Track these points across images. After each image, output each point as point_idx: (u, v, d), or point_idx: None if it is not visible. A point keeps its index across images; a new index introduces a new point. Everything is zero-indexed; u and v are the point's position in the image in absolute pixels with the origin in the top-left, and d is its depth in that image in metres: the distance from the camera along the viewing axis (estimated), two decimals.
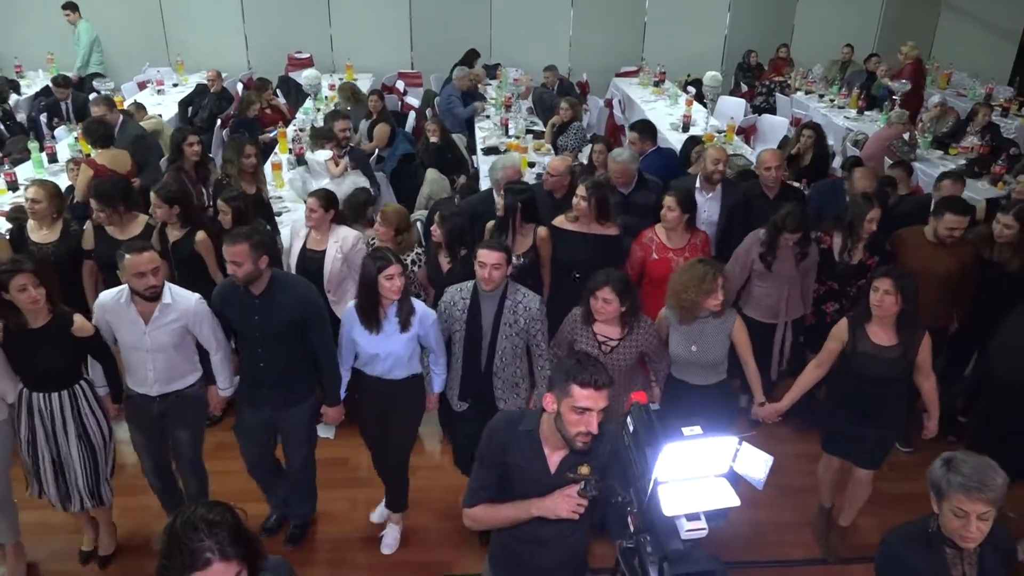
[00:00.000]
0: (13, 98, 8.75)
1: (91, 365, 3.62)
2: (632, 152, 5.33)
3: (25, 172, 6.44)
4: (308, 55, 11.03)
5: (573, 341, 3.68)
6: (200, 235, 4.51)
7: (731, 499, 1.92)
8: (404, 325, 3.52)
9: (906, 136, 7.10)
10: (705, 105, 9.18)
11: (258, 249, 3.36)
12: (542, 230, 4.52)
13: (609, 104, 9.87)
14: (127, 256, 3.29)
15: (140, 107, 7.66)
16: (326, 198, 4.47)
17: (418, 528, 4.17)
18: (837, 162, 7.49)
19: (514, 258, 4.06)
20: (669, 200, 4.40)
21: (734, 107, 9.45)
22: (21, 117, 8.52)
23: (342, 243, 4.47)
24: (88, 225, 4.62)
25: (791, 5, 11.88)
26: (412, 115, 9.10)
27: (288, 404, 3.69)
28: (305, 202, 4.61)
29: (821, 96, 9.90)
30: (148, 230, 4.52)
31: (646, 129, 6.04)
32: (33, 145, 6.72)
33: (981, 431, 3.97)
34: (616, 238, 4.57)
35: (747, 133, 8.77)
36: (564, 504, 2.36)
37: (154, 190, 4.51)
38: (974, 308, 4.57)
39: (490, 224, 4.64)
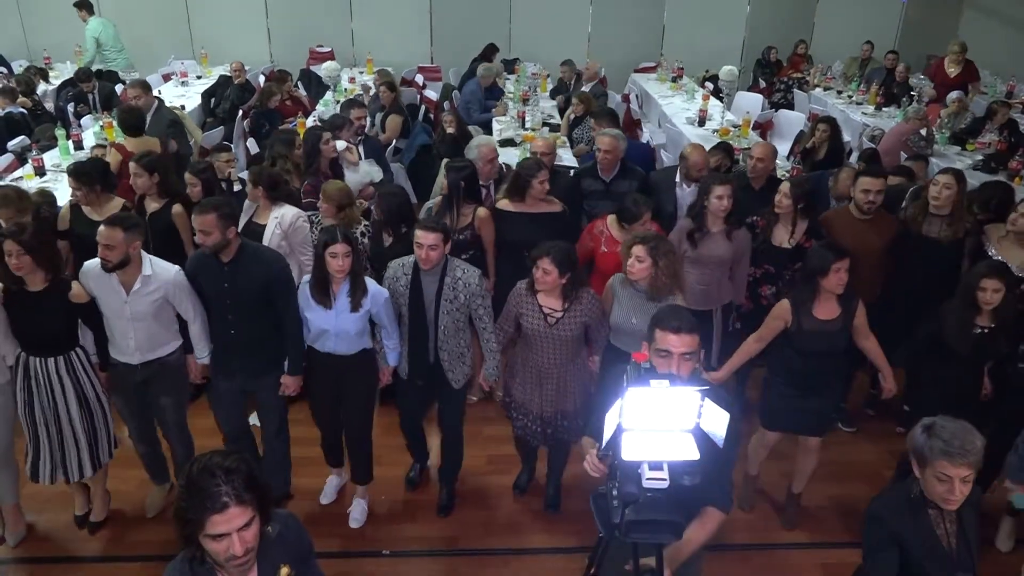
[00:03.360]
0: (42, 87, 8.94)
1: (83, 334, 3.76)
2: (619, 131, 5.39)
3: (52, 158, 6.60)
4: (329, 49, 11.16)
5: (519, 314, 3.77)
6: (176, 207, 4.67)
7: (692, 452, 2.01)
8: (355, 305, 3.62)
9: (923, 132, 7.09)
10: (722, 100, 9.19)
11: (226, 219, 3.53)
12: (481, 211, 4.62)
13: (626, 99, 9.91)
14: (103, 228, 3.47)
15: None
16: (266, 176, 4.58)
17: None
18: (853, 157, 7.49)
19: (455, 234, 4.20)
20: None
21: (751, 102, 9.46)
22: (49, 106, 8.72)
23: (281, 219, 4.54)
24: (65, 205, 4.74)
25: (811, 2, 11.85)
26: (423, 108, 9.17)
27: (259, 372, 3.83)
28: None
29: (839, 92, 9.88)
30: (124, 210, 4.62)
31: (608, 115, 6.17)
32: (60, 132, 6.89)
33: (926, 400, 3.88)
34: (560, 214, 4.68)
35: (763, 128, 8.78)
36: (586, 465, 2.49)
37: (134, 158, 4.67)
38: (904, 283, 4.59)
39: (438, 200, 4.74)
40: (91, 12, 10.13)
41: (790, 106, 9.87)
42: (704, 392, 2.06)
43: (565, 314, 3.68)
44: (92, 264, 3.65)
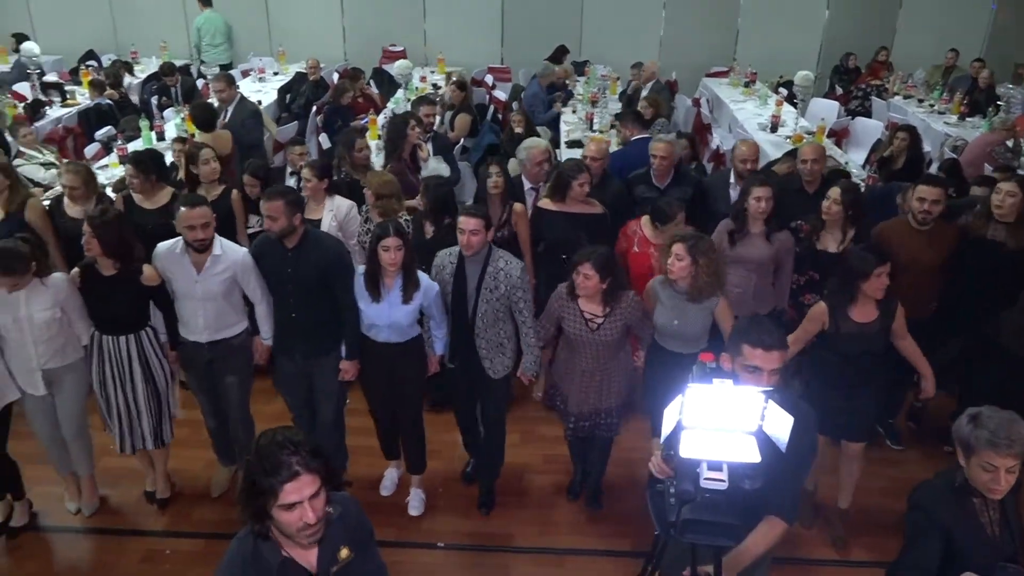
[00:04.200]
0: (128, 80, 9.32)
1: (154, 314, 3.91)
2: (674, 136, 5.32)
3: (136, 147, 6.86)
4: (402, 48, 11.32)
5: (560, 317, 3.76)
6: (235, 193, 4.88)
7: (753, 455, 1.97)
8: (407, 298, 3.67)
9: (1010, 143, 6.80)
10: (795, 106, 9.00)
11: (292, 206, 3.65)
12: (518, 206, 4.66)
13: (697, 103, 9.78)
14: (182, 209, 3.61)
15: None
16: (320, 168, 4.71)
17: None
18: (933, 167, 7.23)
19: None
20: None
21: (826, 109, 9.23)
22: (134, 98, 9.09)
23: (336, 211, 4.69)
24: (117, 196, 4.91)
25: (893, 8, 11.50)
26: (492, 108, 9.23)
27: (318, 353, 3.92)
28: None
29: (920, 101, 9.56)
30: (174, 199, 4.76)
31: (633, 116, 6.13)
32: (144, 124, 7.16)
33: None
34: (601, 216, 4.64)
35: (839, 136, 8.55)
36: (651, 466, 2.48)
37: (130, 157, 4.89)
38: (963, 293, 4.40)
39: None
40: (207, 4, 10.61)
41: (867, 114, 9.59)
42: (768, 394, 2.02)
43: (606, 319, 3.66)
44: (164, 245, 3.81)
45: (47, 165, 6.15)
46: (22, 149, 6.20)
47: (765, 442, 2.06)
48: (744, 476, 2.09)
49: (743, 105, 9.31)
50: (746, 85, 10.06)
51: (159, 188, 4.79)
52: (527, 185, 5.11)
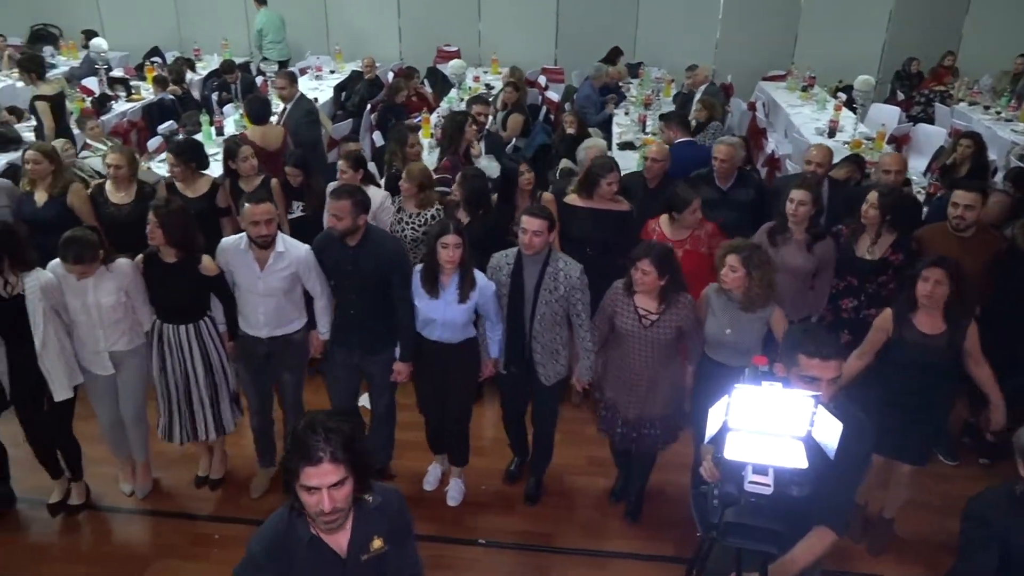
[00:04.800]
0: (190, 77, 9.56)
1: (213, 303, 3.99)
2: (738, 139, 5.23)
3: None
4: (456, 48, 11.39)
5: (614, 313, 3.73)
6: (274, 182, 4.95)
7: (800, 460, 1.93)
8: (463, 296, 3.68)
9: None
10: (855, 111, 8.80)
11: (359, 207, 3.69)
12: (546, 195, 4.71)
13: (752, 107, 9.65)
14: (246, 205, 3.66)
15: None
16: (355, 159, 4.78)
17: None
18: (999, 176, 7.00)
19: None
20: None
21: (887, 115, 9.00)
22: (196, 94, 9.32)
23: (371, 200, 4.69)
24: (160, 182, 5.03)
25: (959, 12, 11.17)
26: (544, 108, 9.22)
27: (374, 349, 3.96)
28: None
29: (987, 108, 9.26)
30: (213, 189, 4.91)
31: (678, 119, 6.05)
32: (204, 119, 7.35)
33: None
34: (626, 214, 4.61)
35: (900, 142, 8.33)
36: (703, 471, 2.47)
37: (170, 147, 5.00)
38: (1007, 305, 4.24)
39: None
40: (262, 3, 10.90)
41: (930, 120, 9.34)
42: (817, 398, 1.98)
43: (661, 317, 3.63)
44: (229, 240, 3.88)
45: None
46: (89, 141, 6.41)
47: (814, 449, 2.02)
48: (791, 482, 2.05)
49: (800, 110, 9.14)
50: (804, 89, 9.87)
51: (198, 176, 4.91)
52: None
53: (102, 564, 3.87)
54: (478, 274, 3.75)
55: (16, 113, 7.58)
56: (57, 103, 6.79)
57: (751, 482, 1.99)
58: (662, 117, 6.33)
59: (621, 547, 4.00)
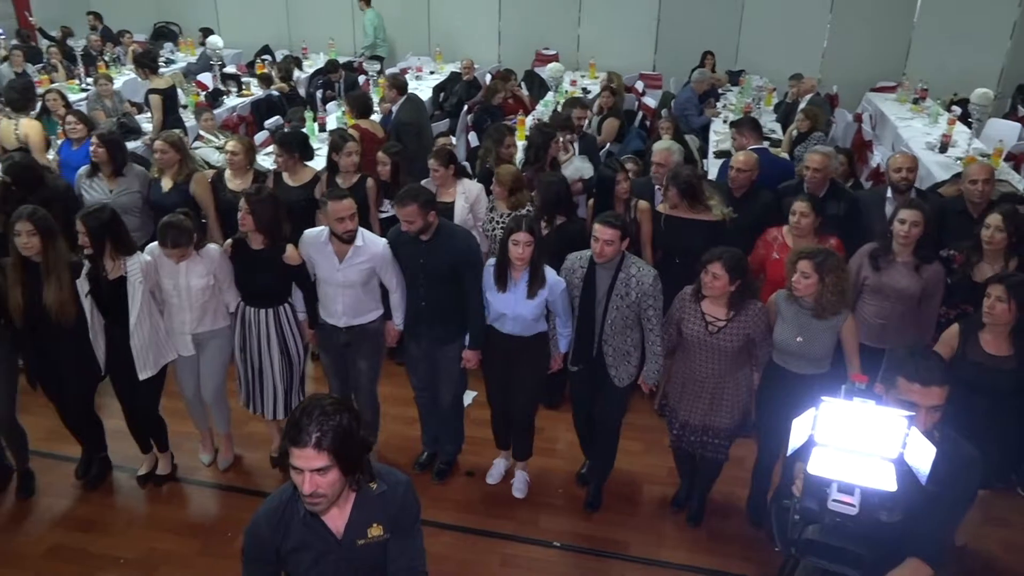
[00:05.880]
0: (296, 74, 9.93)
1: (294, 292, 4.14)
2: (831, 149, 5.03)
3: None
4: (555, 52, 11.44)
5: (681, 319, 3.67)
6: (369, 181, 5.09)
7: (889, 483, 1.85)
8: (531, 294, 3.71)
9: None
10: (970, 126, 8.37)
11: (425, 207, 3.77)
12: (642, 203, 4.66)
13: (859, 119, 9.29)
14: (329, 203, 3.80)
15: None
16: (445, 156, 4.87)
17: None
18: None
19: None
20: (801, 207, 4.18)
21: (1006, 130, 8.50)
22: (302, 91, 9.67)
23: (467, 194, 4.86)
24: (270, 173, 5.23)
25: None
26: (640, 114, 9.14)
27: (444, 340, 4.04)
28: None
29: None
30: (314, 180, 5.07)
31: (749, 124, 5.88)
32: (309, 115, 7.62)
33: None
34: (717, 224, 4.49)
35: (1018, 160, 7.86)
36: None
37: (276, 138, 5.19)
38: None
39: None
40: (368, 4, 11.30)
41: None
42: (911, 419, 1.89)
43: (728, 324, 3.56)
44: (311, 232, 4.04)
45: (222, 149, 6.65)
46: (202, 133, 6.74)
47: (905, 473, 1.94)
48: (880, 506, 1.97)
49: (910, 123, 8.76)
50: (915, 102, 9.46)
51: (302, 166, 5.10)
52: (657, 185, 5.08)
53: (191, 535, 4.07)
54: (549, 271, 3.78)
55: (136, 105, 8.05)
56: (168, 96, 7.17)
57: (835, 500, 1.92)
58: (733, 124, 6.17)
59: (697, 561, 3.93)
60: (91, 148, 4.97)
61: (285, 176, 5.06)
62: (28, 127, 5.75)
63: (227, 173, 5.03)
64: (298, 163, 5.08)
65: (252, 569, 2.25)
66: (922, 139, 8.00)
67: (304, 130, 7.40)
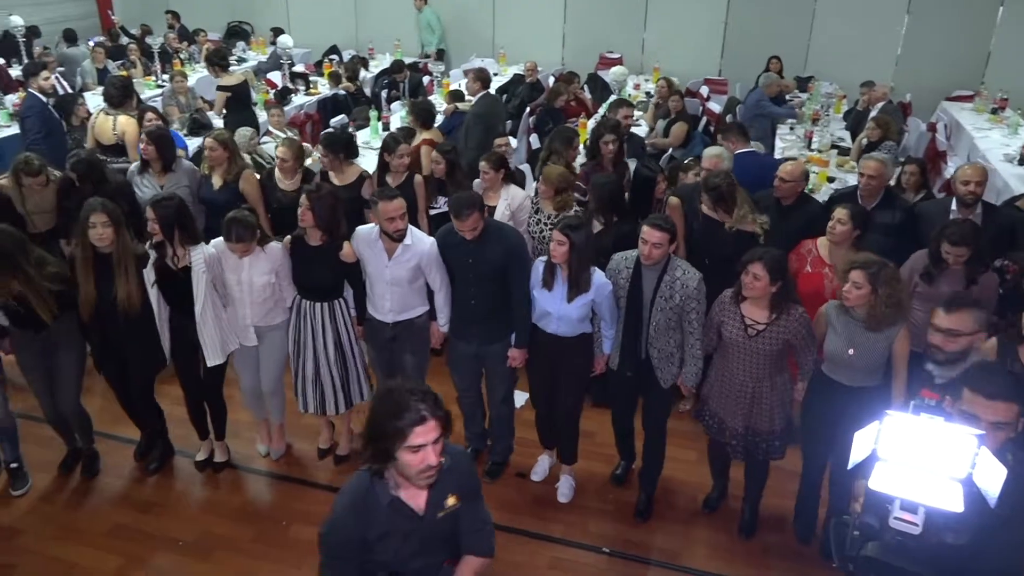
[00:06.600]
0: (363, 74, 10.09)
1: (347, 288, 4.21)
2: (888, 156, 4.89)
3: (364, 137, 7.43)
4: (619, 55, 11.37)
5: (720, 322, 3.60)
6: (417, 178, 5.14)
7: (955, 504, 1.76)
8: (570, 296, 3.72)
9: None
10: None
11: (483, 210, 3.85)
12: (673, 200, 4.66)
13: (932, 128, 8.99)
14: (380, 202, 3.86)
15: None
16: (497, 160, 4.91)
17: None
18: None
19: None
20: (841, 213, 4.05)
21: None
22: (367, 91, 9.82)
23: (511, 200, 4.88)
24: (318, 174, 5.31)
25: None
26: (704, 119, 9.01)
27: (492, 340, 4.05)
28: None
29: None
30: (360, 180, 5.12)
31: (737, 129, 5.84)
32: (373, 114, 7.74)
33: None
34: (751, 236, 4.37)
35: None
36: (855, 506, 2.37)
37: (321, 139, 5.27)
38: None
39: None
40: (425, 1, 11.51)
41: None
42: (982, 438, 1.81)
43: (768, 327, 3.48)
44: (364, 229, 4.11)
45: None
46: (271, 129, 6.91)
47: (974, 494, 1.85)
48: (946, 527, 1.89)
49: (988, 133, 8.44)
50: (994, 112, 9.11)
51: (347, 165, 5.18)
52: None
53: (245, 521, 4.16)
54: (597, 273, 3.78)
55: (208, 102, 8.29)
56: (237, 94, 7.36)
57: (897, 518, 1.85)
58: (719, 130, 6.07)
59: (742, 573, 3.86)
60: (141, 146, 5.14)
61: (331, 176, 5.14)
62: (125, 124, 5.90)
63: (277, 173, 5.13)
64: (343, 163, 5.15)
65: (337, 566, 2.32)
66: (999, 150, 7.71)
67: (368, 129, 7.57)
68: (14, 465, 4.30)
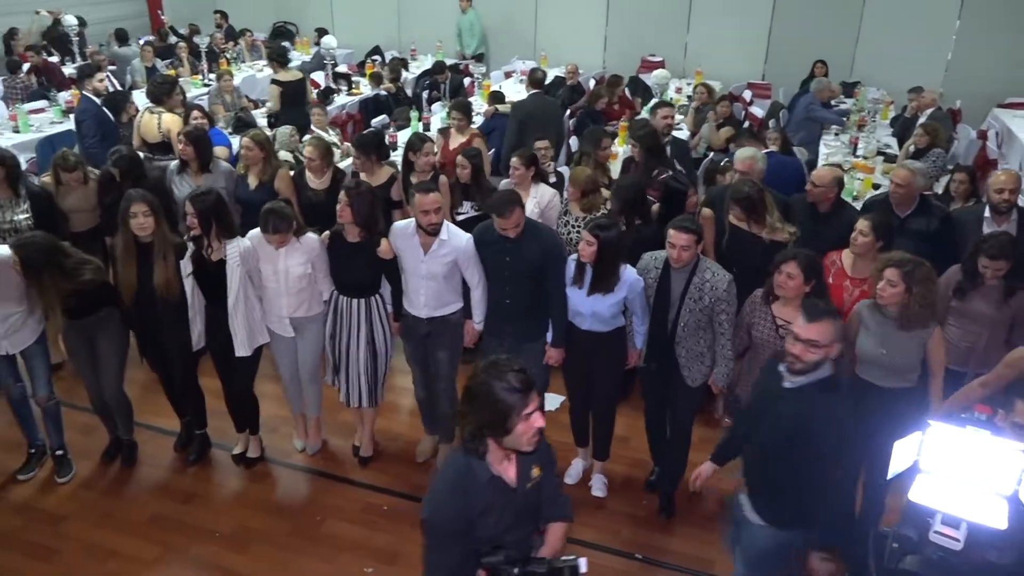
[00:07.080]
0: (404, 75, 10.16)
1: (383, 285, 4.25)
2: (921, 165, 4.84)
3: (404, 137, 7.45)
4: (661, 59, 11.29)
5: (751, 323, 3.59)
6: (442, 178, 5.15)
7: (999, 521, 1.71)
8: (592, 288, 3.76)
9: None
10: None
11: (523, 207, 3.89)
12: (706, 211, 4.61)
13: (983, 136, 8.77)
14: (416, 195, 3.90)
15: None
16: (528, 158, 4.97)
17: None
18: None
19: None
20: (863, 225, 3.96)
21: None
22: (409, 91, 9.89)
23: (539, 199, 4.92)
24: (349, 174, 5.35)
25: None
26: (748, 124, 8.91)
27: (526, 339, 4.07)
28: None
29: None
30: (391, 180, 5.17)
31: (749, 135, 5.91)
32: (414, 115, 7.80)
33: None
34: (777, 245, 4.28)
35: None
36: None
37: (353, 141, 5.36)
38: None
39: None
40: (470, 3, 11.65)
41: None
42: None
43: None
44: (400, 224, 4.16)
45: (337, 146, 6.88)
46: (313, 127, 6.99)
47: (1020, 512, 1.80)
48: (989, 544, 1.84)
49: None
50: None
51: (379, 166, 5.23)
52: None
53: (281, 515, 4.22)
54: (628, 270, 3.80)
55: (252, 102, 8.43)
56: (291, 90, 7.48)
57: (938, 532, 1.81)
58: (732, 140, 5.98)
59: None
60: (179, 147, 5.24)
61: (363, 176, 5.17)
62: (170, 122, 6.02)
63: (308, 172, 5.20)
64: (375, 164, 5.20)
65: (445, 547, 2.33)
66: None
67: (408, 129, 7.62)
68: (59, 452, 4.42)
